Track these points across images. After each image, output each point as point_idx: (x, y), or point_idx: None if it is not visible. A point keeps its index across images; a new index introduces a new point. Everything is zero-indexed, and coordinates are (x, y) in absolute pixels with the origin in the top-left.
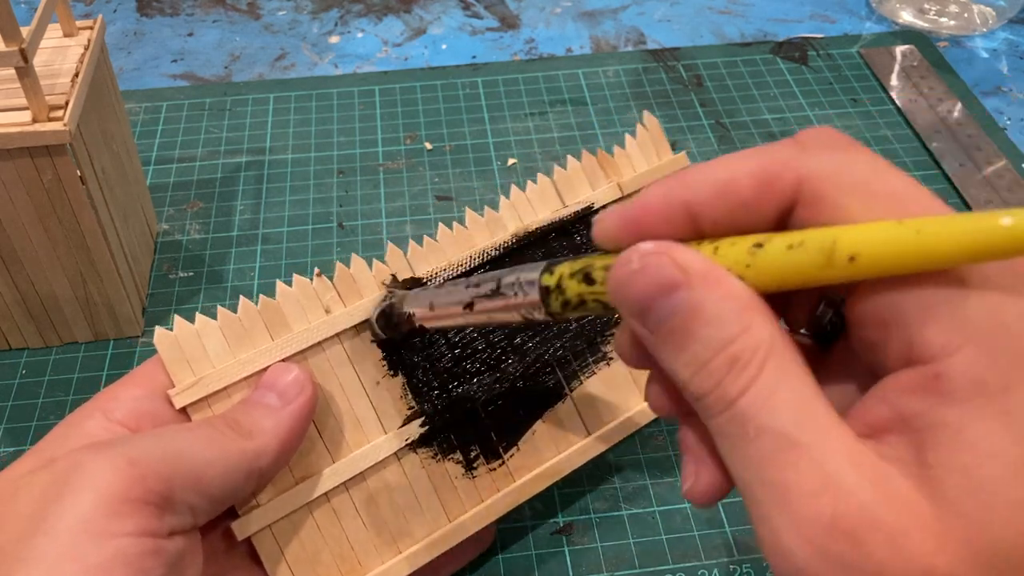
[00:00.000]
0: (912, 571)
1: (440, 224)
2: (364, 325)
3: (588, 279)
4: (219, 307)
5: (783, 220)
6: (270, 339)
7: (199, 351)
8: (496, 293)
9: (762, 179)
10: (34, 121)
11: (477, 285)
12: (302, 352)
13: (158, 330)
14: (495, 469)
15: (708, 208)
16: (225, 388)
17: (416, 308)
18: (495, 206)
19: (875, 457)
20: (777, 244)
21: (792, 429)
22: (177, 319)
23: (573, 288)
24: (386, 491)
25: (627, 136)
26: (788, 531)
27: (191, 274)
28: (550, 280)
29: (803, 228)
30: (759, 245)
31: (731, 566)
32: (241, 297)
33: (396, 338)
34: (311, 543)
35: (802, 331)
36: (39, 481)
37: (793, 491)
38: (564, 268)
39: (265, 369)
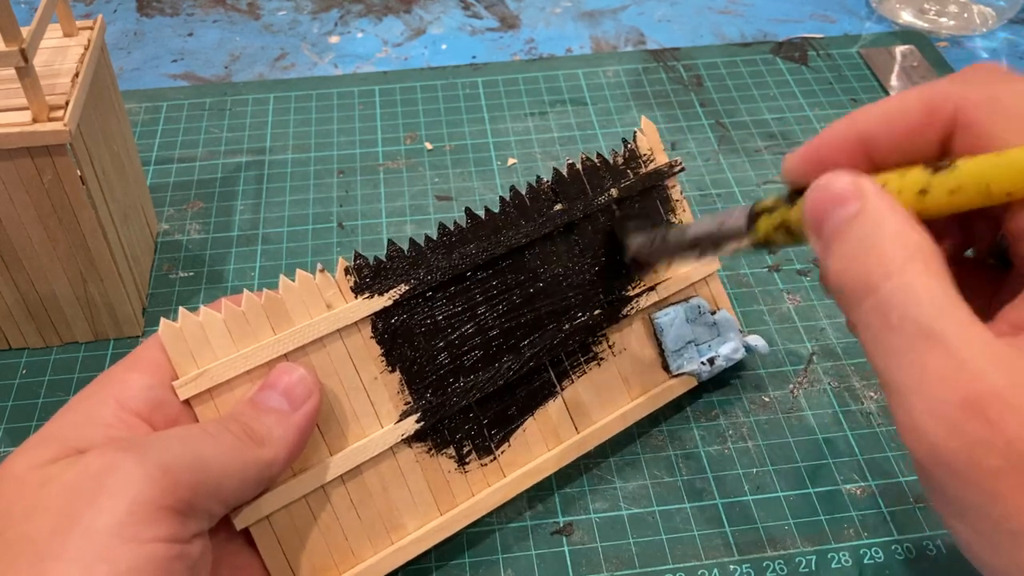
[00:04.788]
0: None
1: None
2: (366, 321)
3: (786, 229)
4: (223, 298)
5: (945, 145)
6: (272, 332)
7: (203, 343)
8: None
9: (927, 108)
10: (34, 121)
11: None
12: (303, 348)
13: (163, 322)
14: (486, 464)
15: (880, 136)
16: (228, 381)
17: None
18: (495, 206)
19: (1009, 349)
20: (939, 191)
21: (931, 320)
22: (182, 311)
23: (778, 237)
24: (381, 484)
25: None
26: (923, 412)
27: (191, 274)
28: (756, 235)
29: (961, 155)
30: (924, 192)
31: (731, 566)
32: (244, 290)
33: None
34: (307, 533)
35: (989, 260)
36: (69, 475)
37: (930, 374)
38: (765, 223)
39: (269, 365)
